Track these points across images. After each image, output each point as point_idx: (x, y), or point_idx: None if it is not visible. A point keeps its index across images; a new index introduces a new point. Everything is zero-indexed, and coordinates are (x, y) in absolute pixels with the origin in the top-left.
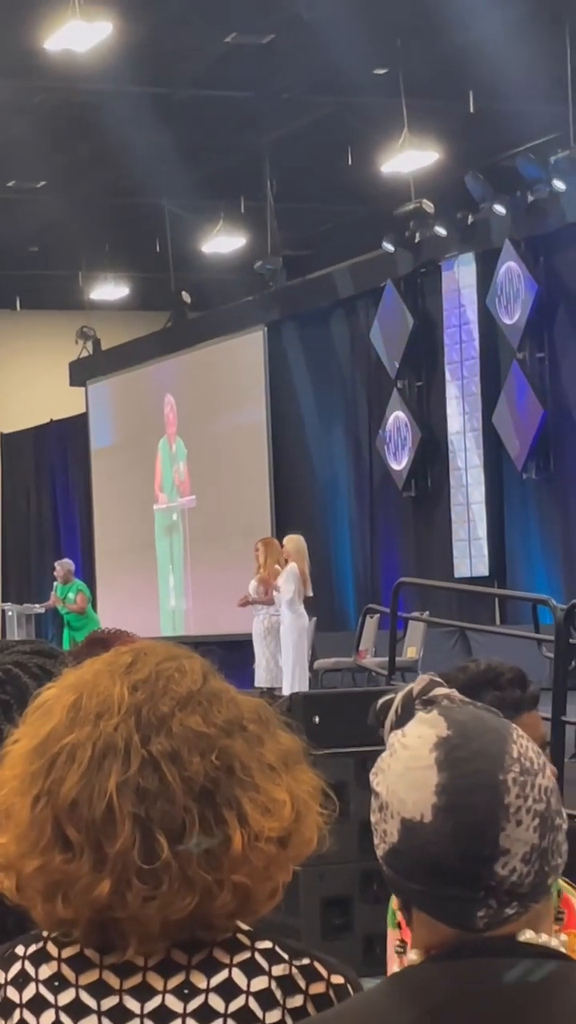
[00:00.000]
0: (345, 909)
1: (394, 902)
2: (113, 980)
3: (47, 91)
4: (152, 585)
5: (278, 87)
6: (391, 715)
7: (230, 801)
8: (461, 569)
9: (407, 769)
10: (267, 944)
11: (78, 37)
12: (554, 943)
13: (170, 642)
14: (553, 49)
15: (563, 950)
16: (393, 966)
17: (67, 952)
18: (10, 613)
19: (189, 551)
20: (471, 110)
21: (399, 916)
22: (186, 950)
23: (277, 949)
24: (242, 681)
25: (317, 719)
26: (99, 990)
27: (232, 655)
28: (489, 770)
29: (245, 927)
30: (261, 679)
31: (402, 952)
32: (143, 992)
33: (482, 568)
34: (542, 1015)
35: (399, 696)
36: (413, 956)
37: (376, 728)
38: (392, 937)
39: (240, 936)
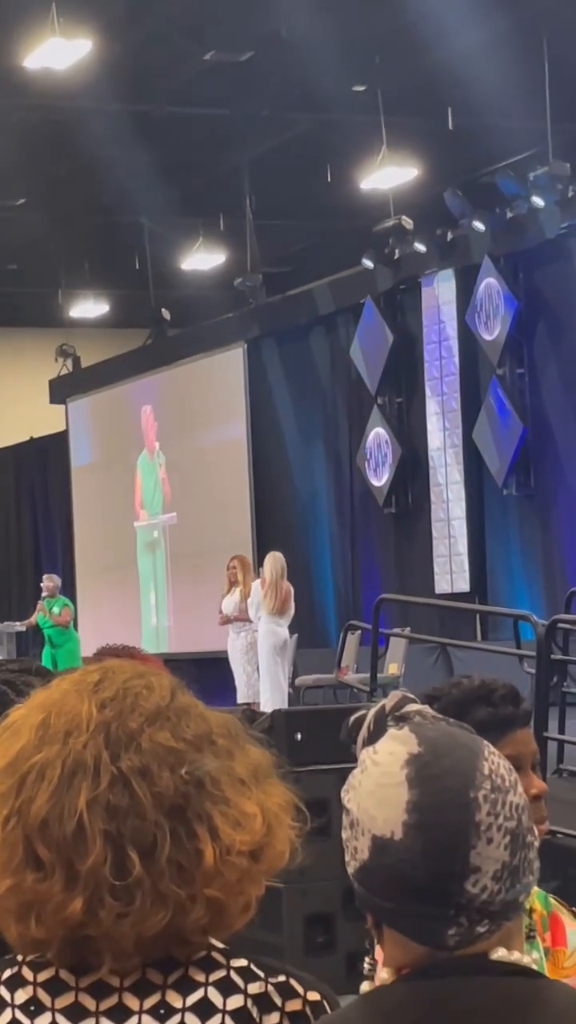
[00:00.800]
0: (328, 926)
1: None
2: (89, 1002)
3: (26, 109)
4: (134, 603)
5: (257, 104)
6: (363, 731)
7: (201, 815)
8: (442, 585)
9: (378, 786)
10: (242, 962)
11: (57, 55)
12: (526, 960)
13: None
14: (532, 66)
15: (535, 967)
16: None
17: (42, 976)
18: None
19: (170, 568)
20: (450, 127)
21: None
22: (161, 969)
23: (252, 967)
24: (225, 698)
25: (299, 736)
26: (75, 1013)
27: (216, 672)
28: (460, 787)
29: (220, 945)
30: (243, 695)
31: (371, 972)
32: (119, 1013)
33: (463, 584)
34: None
35: (371, 712)
36: (384, 975)
37: (349, 744)
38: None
39: (215, 954)
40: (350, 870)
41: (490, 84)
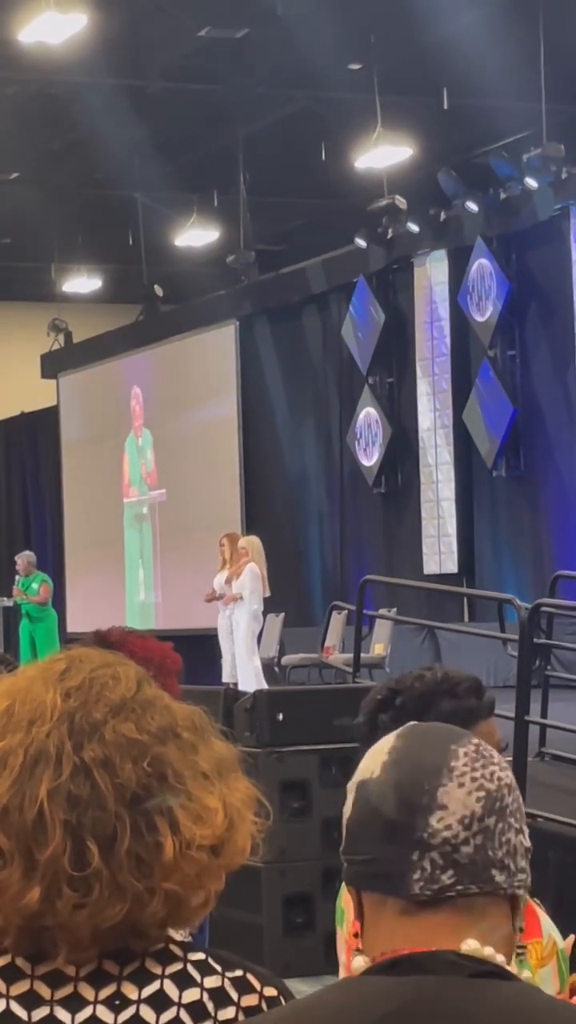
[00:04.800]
0: (307, 907)
1: (342, 898)
2: (44, 991)
3: (21, 83)
4: (121, 578)
5: (252, 81)
6: None
7: (162, 808)
8: (430, 565)
9: (372, 752)
10: (200, 956)
11: (52, 29)
12: (499, 959)
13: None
14: (527, 46)
15: (507, 967)
16: (343, 970)
17: None
18: None
19: (159, 545)
20: (445, 107)
21: (348, 913)
22: (117, 960)
23: (210, 960)
24: (211, 677)
25: (281, 716)
26: (30, 1001)
27: (202, 650)
28: (442, 740)
29: (179, 938)
30: (227, 675)
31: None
32: (74, 1003)
33: (451, 565)
34: None
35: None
36: (360, 962)
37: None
38: (340, 936)
39: (173, 947)
40: (341, 849)
41: (485, 65)
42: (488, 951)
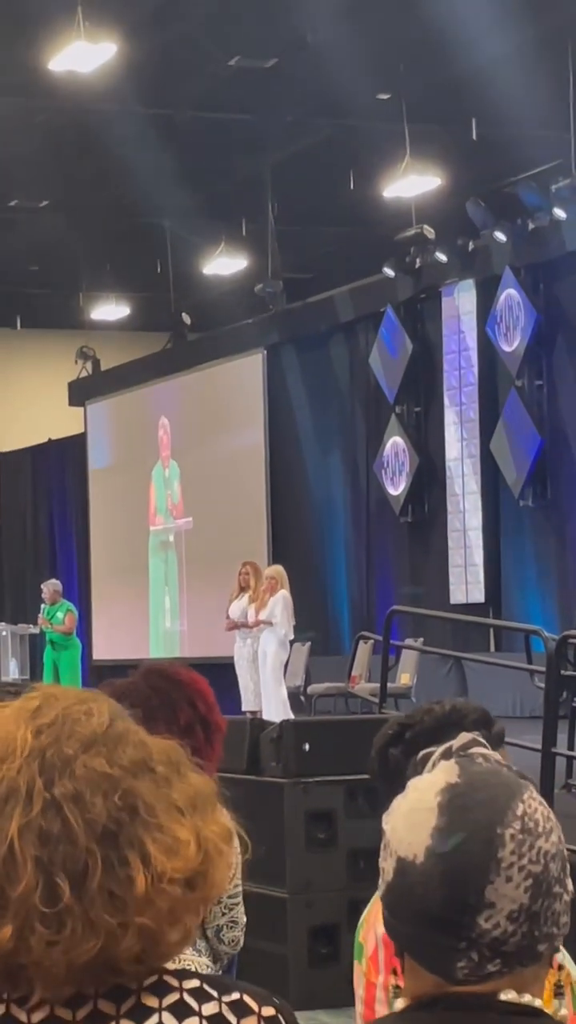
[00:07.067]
0: (332, 938)
1: (360, 934)
2: None
3: (51, 111)
4: (146, 606)
5: (281, 110)
6: (428, 767)
7: (133, 842)
8: (457, 595)
9: (411, 810)
10: (195, 983)
11: (82, 58)
12: (537, 1003)
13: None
14: (556, 77)
15: (544, 1010)
16: (359, 1004)
17: None
18: (3, 633)
19: (185, 573)
20: (473, 136)
21: (366, 949)
22: (113, 999)
23: (205, 987)
24: (231, 705)
25: (307, 747)
26: None
27: (227, 679)
28: (487, 822)
29: (171, 967)
30: (249, 703)
31: (396, 995)
32: None
33: (478, 595)
34: None
35: (440, 750)
36: (399, 1003)
37: (361, 758)
38: (358, 970)
39: (167, 977)
40: (380, 893)
41: (514, 94)
42: (527, 997)
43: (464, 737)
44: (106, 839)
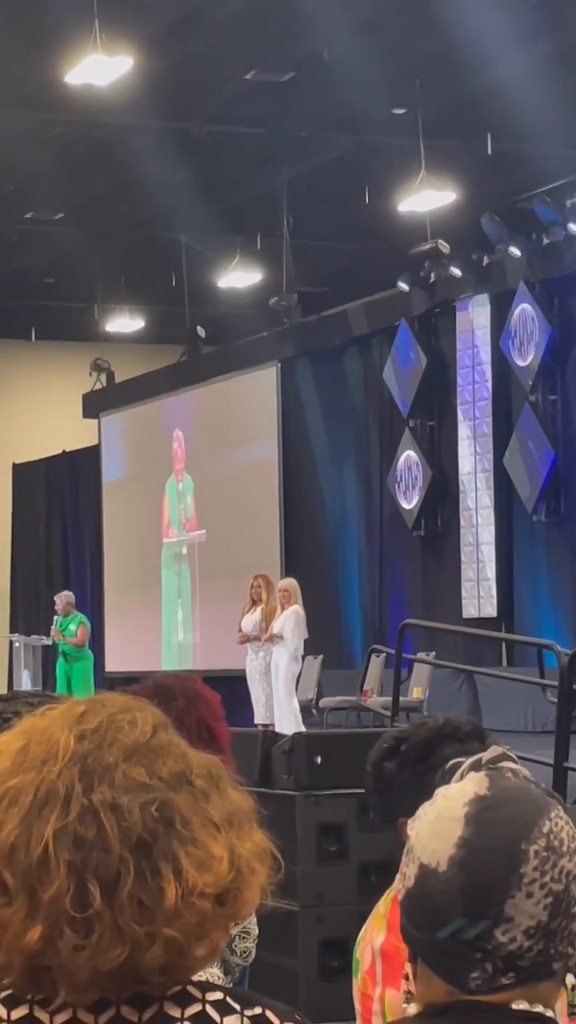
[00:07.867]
0: (343, 951)
1: (358, 951)
2: None
3: (67, 124)
4: (159, 618)
5: (297, 125)
6: (456, 777)
7: (167, 854)
8: (469, 610)
9: (437, 818)
10: (218, 995)
11: (99, 71)
12: (548, 1013)
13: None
14: (572, 92)
15: (556, 1020)
16: (358, 1019)
17: (16, 1013)
18: (17, 644)
19: (198, 585)
20: (489, 151)
21: (362, 964)
22: (136, 1006)
23: (228, 999)
24: (246, 718)
25: (319, 759)
26: None
27: (240, 691)
28: (513, 837)
29: (196, 978)
30: (261, 716)
31: (408, 1000)
32: None
33: (490, 609)
34: None
35: (469, 761)
36: (412, 1010)
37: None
38: (355, 986)
39: (190, 988)
40: (399, 897)
41: (530, 110)
42: (538, 1008)
43: (495, 750)
44: (140, 849)
